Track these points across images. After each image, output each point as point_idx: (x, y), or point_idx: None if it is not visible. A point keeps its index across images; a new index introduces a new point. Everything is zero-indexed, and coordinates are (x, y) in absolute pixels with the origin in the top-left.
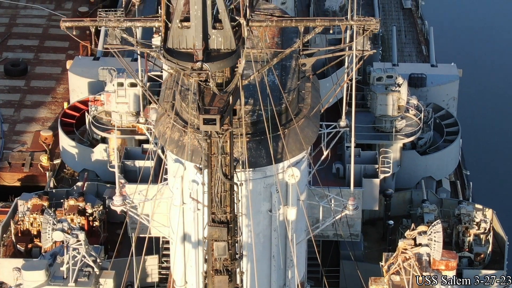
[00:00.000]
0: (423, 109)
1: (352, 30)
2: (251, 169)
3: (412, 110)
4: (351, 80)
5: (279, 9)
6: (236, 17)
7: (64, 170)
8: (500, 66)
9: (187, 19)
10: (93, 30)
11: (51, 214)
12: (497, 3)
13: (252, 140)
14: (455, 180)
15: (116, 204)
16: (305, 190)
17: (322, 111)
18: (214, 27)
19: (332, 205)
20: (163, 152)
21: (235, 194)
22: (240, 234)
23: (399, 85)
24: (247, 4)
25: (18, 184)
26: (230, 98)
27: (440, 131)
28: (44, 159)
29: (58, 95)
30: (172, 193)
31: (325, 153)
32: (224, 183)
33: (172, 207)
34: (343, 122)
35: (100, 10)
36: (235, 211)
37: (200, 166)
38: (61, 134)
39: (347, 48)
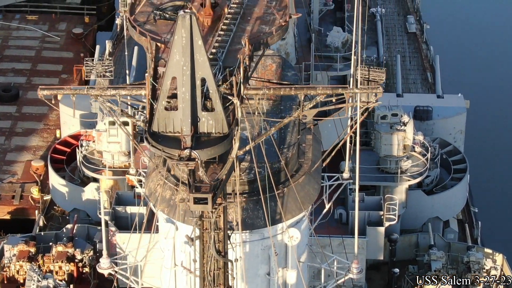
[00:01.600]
0: (429, 148)
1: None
2: (247, 231)
3: (418, 148)
4: (355, 132)
5: (278, 56)
6: (229, 96)
7: (55, 207)
8: (509, 96)
9: (175, 96)
10: (73, 98)
11: (36, 270)
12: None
13: (249, 200)
14: (463, 218)
15: (103, 267)
16: (305, 250)
17: (324, 165)
18: (205, 106)
19: (335, 267)
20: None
21: (229, 272)
22: None
23: (404, 124)
24: (242, 80)
25: (7, 217)
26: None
27: (447, 167)
28: (35, 191)
29: (50, 122)
30: (163, 254)
31: (327, 206)
32: (218, 261)
33: (163, 268)
34: (346, 174)
35: (86, 58)
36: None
37: (192, 237)
38: (51, 172)
39: (350, 99)
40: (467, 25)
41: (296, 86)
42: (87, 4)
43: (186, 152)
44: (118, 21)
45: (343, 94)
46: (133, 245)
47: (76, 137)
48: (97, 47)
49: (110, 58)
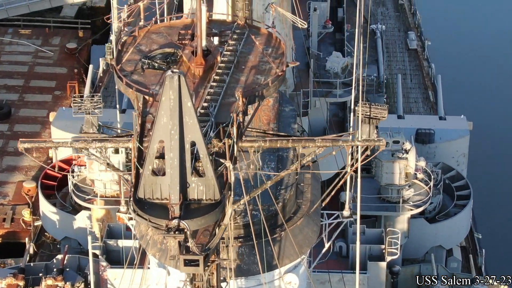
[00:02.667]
0: (432, 175)
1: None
2: (243, 277)
3: (420, 174)
4: (356, 171)
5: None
6: (221, 159)
7: (46, 233)
8: None
9: (162, 156)
10: (55, 152)
11: None
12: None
13: (244, 245)
14: (466, 245)
15: None
16: None
17: (324, 204)
18: (195, 169)
19: None
20: None
21: None
22: None
23: (406, 151)
24: (235, 140)
25: None
26: (216, 229)
27: (450, 193)
28: (26, 214)
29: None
30: None
31: (327, 245)
32: None
33: None
34: (346, 212)
35: (74, 96)
36: None
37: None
38: (42, 199)
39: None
40: (469, 41)
41: (294, 138)
42: (81, 18)
43: (174, 222)
44: (112, 37)
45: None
46: (126, 282)
47: (68, 161)
48: (90, 71)
49: (99, 94)
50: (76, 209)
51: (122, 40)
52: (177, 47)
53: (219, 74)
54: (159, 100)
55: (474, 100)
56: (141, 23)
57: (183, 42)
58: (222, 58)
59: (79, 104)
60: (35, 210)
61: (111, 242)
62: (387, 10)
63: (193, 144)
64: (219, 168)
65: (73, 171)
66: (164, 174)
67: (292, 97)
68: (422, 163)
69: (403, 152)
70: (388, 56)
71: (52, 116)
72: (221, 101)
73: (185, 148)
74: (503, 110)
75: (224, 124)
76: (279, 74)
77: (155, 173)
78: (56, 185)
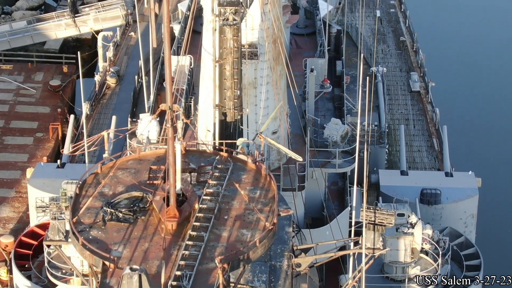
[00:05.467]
0: (440, 249)
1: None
2: None
3: (426, 244)
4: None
5: None
6: None
7: None
8: None
9: None
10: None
11: None
12: None
13: None
14: None
15: None
16: None
17: None
18: None
19: None
20: None
21: None
22: None
23: (412, 226)
24: None
25: None
26: None
27: (458, 260)
28: (3, 273)
29: (23, 189)
30: None
31: None
32: None
33: None
34: None
35: (39, 199)
36: None
37: None
38: (15, 271)
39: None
40: (474, 82)
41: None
42: (66, 50)
43: None
44: (97, 77)
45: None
46: None
47: (45, 226)
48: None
49: (65, 197)
50: (53, 284)
51: (81, 182)
52: (147, 191)
53: (197, 229)
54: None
55: (483, 152)
56: (106, 155)
57: (154, 181)
58: (200, 206)
59: (44, 208)
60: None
61: None
62: (388, 48)
63: None
64: None
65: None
66: None
67: (286, 170)
68: (429, 231)
69: (409, 226)
70: (390, 99)
71: (29, 172)
72: (198, 267)
73: None
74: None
75: None
76: (270, 227)
77: None
78: (32, 254)
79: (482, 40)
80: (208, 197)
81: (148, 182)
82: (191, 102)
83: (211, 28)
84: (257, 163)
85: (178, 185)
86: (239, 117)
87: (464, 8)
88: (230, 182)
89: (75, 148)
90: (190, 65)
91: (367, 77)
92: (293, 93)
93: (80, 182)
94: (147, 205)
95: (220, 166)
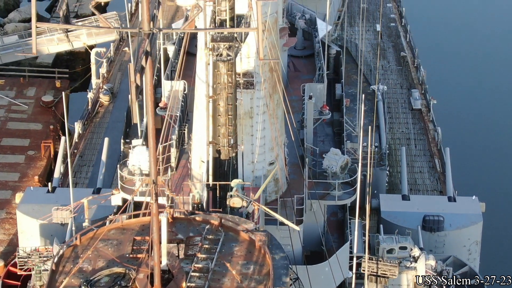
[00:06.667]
0: (443, 280)
1: None
2: None
3: (429, 272)
4: None
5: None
6: None
7: None
8: None
9: None
10: None
11: None
12: None
13: None
14: None
15: None
16: None
17: None
18: None
19: None
20: None
21: None
22: None
23: (415, 259)
24: None
25: None
26: None
27: None
28: None
29: (13, 210)
30: None
31: None
32: None
33: None
34: None
35: (21, 250)
36: None
37: None
38: None
39: None
40: (477, 101)
41: None
42: (59, 63)
43: None
44: (90, 95)
45: None
46: None
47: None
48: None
49: (39, 274)
50: None
51: (58, 256)
52: (129, 268)
53: None
54: None
55: (486, 172)
56: (85, 223)
57: (138, 255)
58: (188, 284)
59: (25, 259)
60: None
61: None
62: (389, 64)
63: None
64: None
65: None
66: None
67: (283, 203)
68: (432, 262)
69: (411, 260)
70: (390, 117)
71: (18, 197)
72: None
73: None
74: None
75: None
76: None
77: None
78: (20, 285)
79: (486, 56)
80: (197, 274)
81: (131, 255)
82: (185, 130)
83: (204, 55)
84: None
85: (164, 261)
86: (233, 154)
87: (467, 23)
88: (222, 254)
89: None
90: (184, 90)
91: (365, 95)
92: (289, 124)
93: (57, 257)
94: (130, 283)
95: (210, 237)
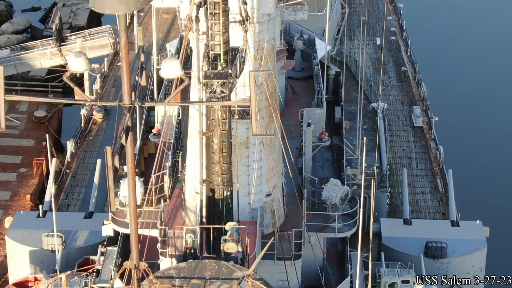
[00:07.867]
0: None
1: None
2: None
3: None
4: None
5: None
6: None
7: None
8: None
9: None
10: None
11: None
12: None
13: None
14: None
15: None
16: None
17: None
18: None
19: None
20: None
21: None
22: None
23: None
24: None
25: None
26: None
27: None
28: None
29: (4, 231)
30: None
31: None
32: None
33: None
34: None
35: None
36: None
37: None
38: None
39: None
40: (480, 119)
41: None
42: (53, 75)
43: None
44: (83, 112)
45: None
46: None
47: (23, 284)
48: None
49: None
50: None
51: None
52: None
53: None
54: None
55: (489, 194)
56: None
57: None
58: None
59: None
60: None
61: None
62: (389, 79)
63: None
64: None
65: None
66: None
67: (281, 237)
68: None
69: None
70: (391, 135)
71: (8, 222)
72: None
73: None
74: None
75: None
76: None
77: None
78: None
79: (490, 72)
80: None
81: None
82: (178, 158)
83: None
84: None
85: None
86: (228, 193)
87: (470, 37)
88: None
89: None
90: (178, 116)
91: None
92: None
93: None
94: None
95: None
